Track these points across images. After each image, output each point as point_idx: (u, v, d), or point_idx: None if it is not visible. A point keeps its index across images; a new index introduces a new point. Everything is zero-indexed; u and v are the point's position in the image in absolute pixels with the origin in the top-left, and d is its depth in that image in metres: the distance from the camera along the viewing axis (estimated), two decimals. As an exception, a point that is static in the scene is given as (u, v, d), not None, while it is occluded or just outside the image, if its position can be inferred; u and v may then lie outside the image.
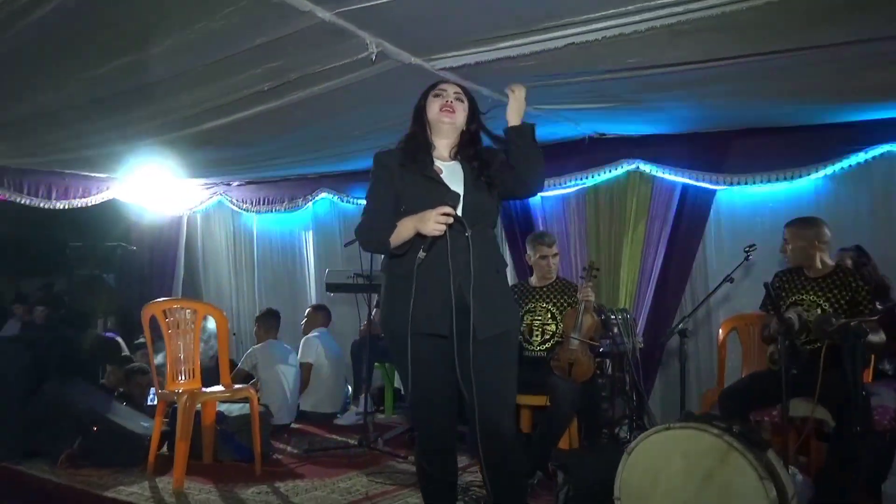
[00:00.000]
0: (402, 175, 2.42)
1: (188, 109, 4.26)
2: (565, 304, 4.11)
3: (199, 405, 3.96)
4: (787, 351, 2.86)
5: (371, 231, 2.44)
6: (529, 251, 4.30)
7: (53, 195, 7.35)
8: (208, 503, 3.30)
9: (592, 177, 5.47)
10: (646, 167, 5.21)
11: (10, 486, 3.70)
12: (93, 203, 7.57)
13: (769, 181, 4.72)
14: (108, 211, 7.18)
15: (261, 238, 7.79)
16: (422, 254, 2.24)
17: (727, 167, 4.89)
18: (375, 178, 2.53)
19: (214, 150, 5.77)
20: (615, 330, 4.51)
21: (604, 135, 5.44)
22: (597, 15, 3.11)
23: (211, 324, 4.35)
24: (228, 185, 7.80)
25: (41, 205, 7.24)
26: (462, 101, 2.52)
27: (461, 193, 2.34)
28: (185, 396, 3.61)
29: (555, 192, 5.69)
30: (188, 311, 4.02)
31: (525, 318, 4.18)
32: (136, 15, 3.01)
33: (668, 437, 2.51)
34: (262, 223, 7.79)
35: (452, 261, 2.22)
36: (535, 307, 4.18)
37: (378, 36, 3.43)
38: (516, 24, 3.28)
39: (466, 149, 2.52)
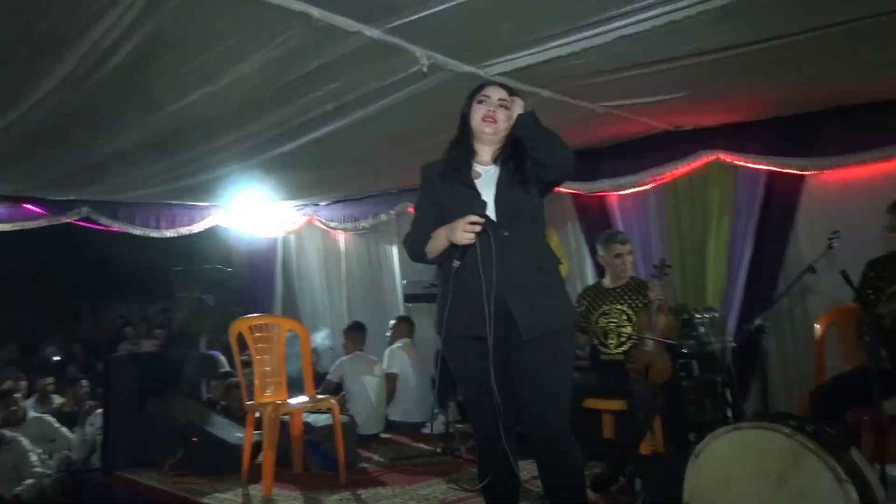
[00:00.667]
0: (441, 185, 2.47)
1: (266, 133, 4.49)
2: (640, 305, 3.98)
3: (286, 416, 4.16)
4: (873, 346, 2.64)
5: (413, 243, 2.55)
6: (601, 251, 4.20)
7: (162, 224, 8.00)
8: (296, 510, 3.47)
9: (670, 170, 5.28)
10: (727, 157, 4.97)
11: (125, 493, 4.05)
12: (197, 230, 8.17)
13: (864, 162, 4.37)
14: (208, 236, 7.71)
15: (349, 254, 8.09)
16: (456, 262, 2.27)
17: (816, 150, 4.57)
18: (420, 190, 2.63)
19: (298, 173, 6.05)
20: (700, 329, 4.32)
21: (680, 127, 5.24)
22: (644, 4, 3.04)
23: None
24: (317, 205, 8.16)
25: (151, 234, 7.90)
26: (506, 108, 2.49)
27: (491, 198, 2.37)
28: (270, 408, 3.81)
29: (632, 189, 5.53)
30: (273, 326, 4.24)
31: (600, 322, 4.08)
32: (200, 51, 3.24)
33: (737, 439, 2.37)
34: (350, 239, 8.09)
35: (485, 264, 2.24)
36: (609, 309, 4.08)
37: (428, 48, 3.51)
38: (564, 22, 3.25)
39: (506, 151, 2.52)
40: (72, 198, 6.79)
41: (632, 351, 3.85)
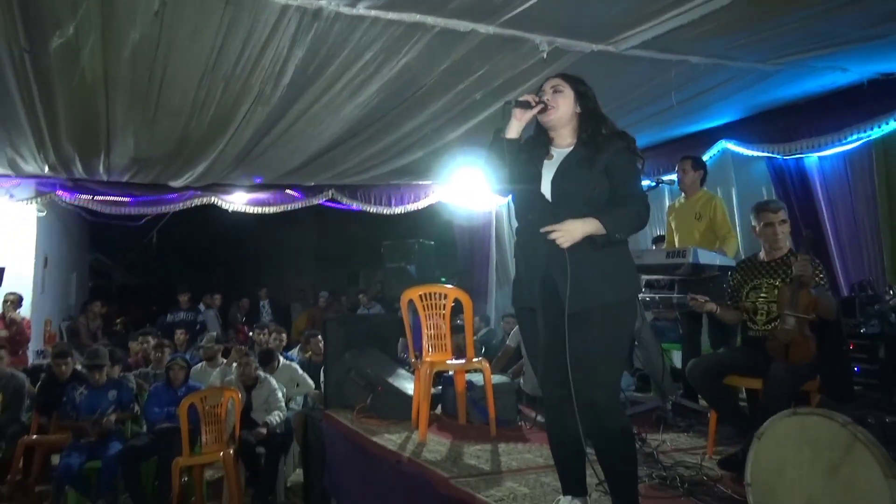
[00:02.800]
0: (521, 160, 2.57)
1: (430, 124, 5.03)
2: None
3: (451, 373, 4.72)
4: None
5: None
6: (752, 221, 3.91)
7: (393, 202, 9.14)
8: (435, 451, 3.98)
9: (878, 127, 4.61)
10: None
11: (330, 427, 4.98)
12: (422, 206, 9.17)
13: None
14: (422, 212, 8.66)
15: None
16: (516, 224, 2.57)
17: None
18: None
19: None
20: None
21: (889, 74, 4.53)
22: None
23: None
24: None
25: (384, 211, 9.09)
26: (561, 91, 2.54)
27: (549, 181, 2.49)
28: (426, 366, 4.37)
29: (833, 150, 4.94)
30: (439, 294, 4.79)
31: (749, 296, 3.85)
32: (344, 69, 3.84)
33: (794, 424, 2.24)
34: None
35: (537, 242, 2.40)
36: (760, 283, 3.81)
37: (549, 34, 3.67)
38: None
39: (583, 132, 2.55)
40: (321, 183, 8.10)
41: (775, 328, 3.59)
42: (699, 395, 4.25)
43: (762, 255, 3.99)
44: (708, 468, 3.37)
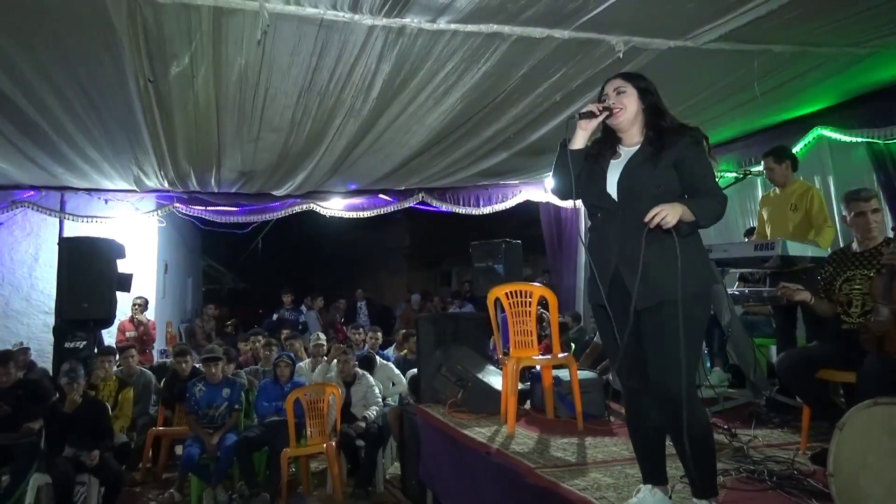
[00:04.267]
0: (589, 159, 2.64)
1: (513, 126, 5.17)
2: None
3: (538, 369, 4.84)
4: None
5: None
6: (844, 211, 3.80)
7: (481, 203, 9.35)
8: (522, 444, 4.12)
9: None
10: None
11: (423, 421, 5.22)
12: (510, 206, 9.32)
13: None
14: (510, 211, 8.80)
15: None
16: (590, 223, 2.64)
17: None
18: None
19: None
20: None
21: None
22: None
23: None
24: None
25: (473, 212, 9.30)
26: (625, 91, 2.57)
27: (615, 180, 2.57)
28: (511, 362, 4.52)
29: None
30: (525, 292, 4.92)
31: (843, 288, 3.75)
32: (426, 82, 4.06)
33: (875, 414, 2.22)
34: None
35: (605, 239, 2.50)
36: (853, 275, 3.70)
37: (625, 34, 3.74)
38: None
39: (649, 128, 2.58)
40: (412, 187, 8.41)
41: (867, 320, 3.48)
42: (792, 390, 4.17)
43: (855, 245, 3.88)
44: (800, 463, 3.33)
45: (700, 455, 2.52)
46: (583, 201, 2.69)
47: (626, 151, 2.62)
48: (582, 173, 2.59)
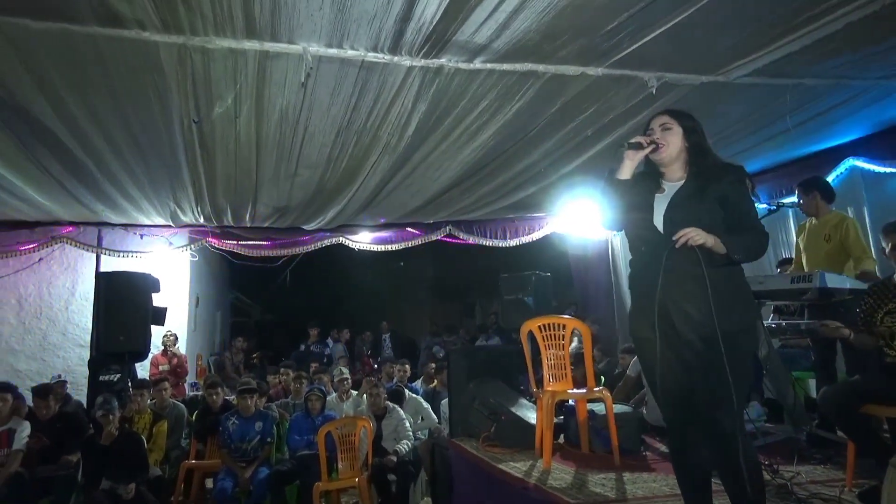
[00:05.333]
0: (632, 192, 2.67)
1: (543, 161, 5.23)
2: (933, 303, 3.49)
3: (572, 402, 4.81)
4: None
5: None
6: (883, 242, 3.79)
7: (507, 235, 9.39)
8: (559, 479, 4.08)
9: None
10: None
11: (456, 454, 5.19)
12: (536, 238, 9.35)
13: None
14: (537, 244, 8.82)
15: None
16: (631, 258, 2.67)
17: None
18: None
19: (598, 180, 6.58)
20: None
21: None
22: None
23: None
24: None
25: (499, 244, 9.35)
26: (670, 129, 2.63)
27: (661, 215, 2.60)
28: (547, 396, 4.50)
29: None
30: (559, 325, 4.91)
31: (884, 321, 3.71)
32: (461, 118, 4.15)
33: (932, 449, 2.20)
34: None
35: (650, 274, 2.53)
36: (895, 307, 3.67)
37: (658, 70, 3.80)
38: (784, 21, 3.24)
39: (693, 165, 2.64)
40: (440, 220, 8.49)
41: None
42: (836, 425, 4.10)
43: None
44: (847, 501, 3.27)
45: (752, 490, 2.49)
46: (627, 233, 2.74)
47: (670, 186, 2.66)
48: (628, 205, 2.63)
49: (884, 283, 3.92)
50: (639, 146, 2.56)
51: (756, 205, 2.78)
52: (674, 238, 2.41)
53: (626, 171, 2.60)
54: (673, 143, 2.62)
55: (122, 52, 3.17)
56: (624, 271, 9.08)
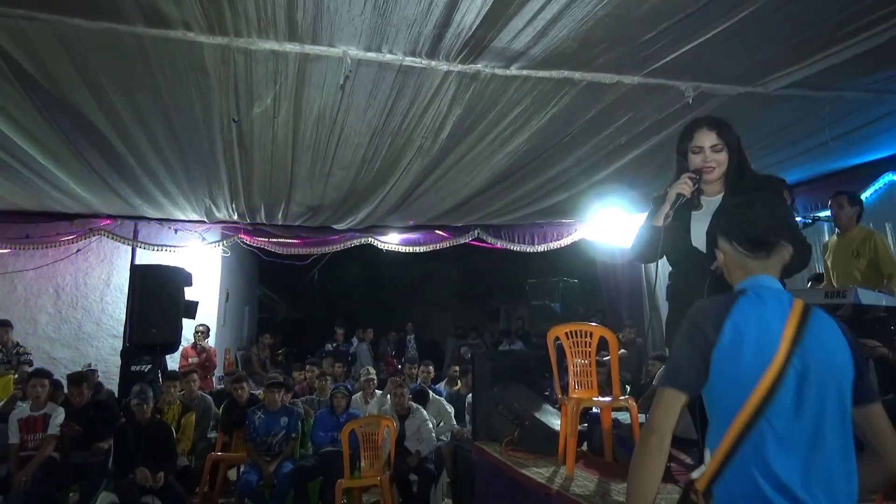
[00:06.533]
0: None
1: (575, 168, 5.23)
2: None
3: (597, 410, 4.79)
4: None
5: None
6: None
7: (536, 240, 9.37)
8: (582, 486, 4.08)
9: None
10: None
11: (479, 458, 5.22)
12: (565, 244, 9.31)
13: None
14: (564, 250, 8.80)
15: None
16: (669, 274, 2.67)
17: None
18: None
19: (628, 189, 6.51)
20: None
21: None
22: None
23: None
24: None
25: (527, 249, 9.33)
26: (721, 151, 2.54)
27: (703, 231, 2.55)
28: (572, 403, 4.49)
29: None
30: (585, 332, 4.90)
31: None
32: (494, 124, 4.18)
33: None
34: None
35: (693, 290, 2.49)
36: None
37: (695, 80, 3.79)
38: (826, 34, 3.22)
39: (731, 178, 2.59)
40: (468, 223, 8.51)
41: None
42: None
43: (934, 294, 3.78)
44: (877, 521, 3.22)
45: None
46: (664, 248, 2.63)
47: (709, 202, 2.62)
48: (666, 229, 2.58)
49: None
50: (683, 197, 2.51)
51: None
52: (712, 268, 2.32)
53: (663, 217, 2.56)
54: (723, 163, 2.57)
55: (167, 51, 3.26)
56: (657, 280, 8.99)
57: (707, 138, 2.56)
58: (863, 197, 5.19)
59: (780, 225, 1.86)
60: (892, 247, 4.69)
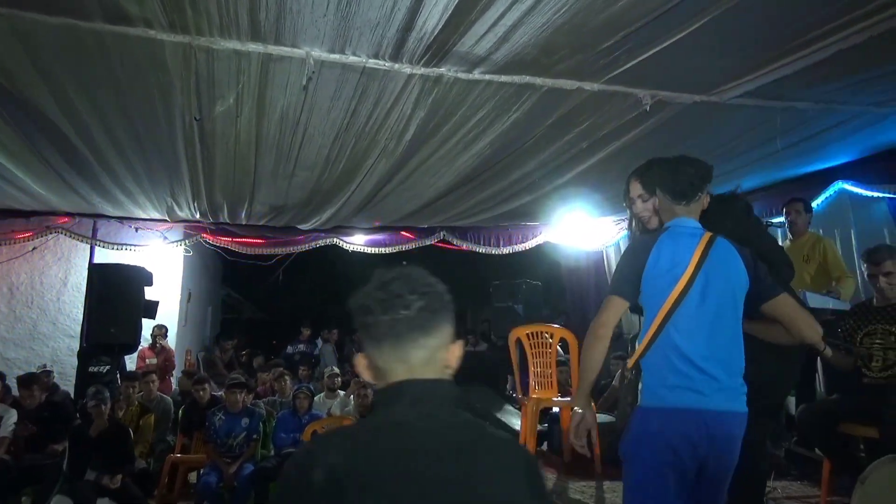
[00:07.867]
0: None
1: (539, 171, 5.30)
2: (912, 326, 3.59)
3: (557, 410, 4.88)
4: None
5: None
6: (864, 267, 3.90)
7: (501, 243, 9.41)
8: (542, 486, 4.18)
9: None
10: None
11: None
12: (530, 247, 9.37)
13: None
14: (530, 253, 8.88)
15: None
16: None
17: None
18: None
19: (591, 192, 6.60)
20: None
21: None
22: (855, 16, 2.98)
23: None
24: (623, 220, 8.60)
25: (493, 251, 9.36)
26: (648, 200, 2.69)
27: None
28: (531, 403, 4.57)
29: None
30: (545, 334, 4.99)
31: (864, 342, 3.80)
32: (458, 127, 4.22)
33: (899, 467, 2.28)
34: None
35: None
36: (874, 329, 3.76)
37: (653, 88, 3.88)
38: (777, 45, 3.33)
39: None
40: (434, 225, 8.52)
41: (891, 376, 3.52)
42: (814, 443, 4.19)
43: (876, 300, 3.95)
44: (820, 517, 3.35)
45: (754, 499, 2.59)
46: None
47: None
48: None
49: (864, 305, 4.02)
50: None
51: None
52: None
53: None
54: (655, 215, 2.68)
55: (127, 49, 3.22)
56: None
57: (633, 189, 2.75)
58: (814, 204, 5.40)
59: (698, 181, 2.38)
60: (839, 252, 4.88)
